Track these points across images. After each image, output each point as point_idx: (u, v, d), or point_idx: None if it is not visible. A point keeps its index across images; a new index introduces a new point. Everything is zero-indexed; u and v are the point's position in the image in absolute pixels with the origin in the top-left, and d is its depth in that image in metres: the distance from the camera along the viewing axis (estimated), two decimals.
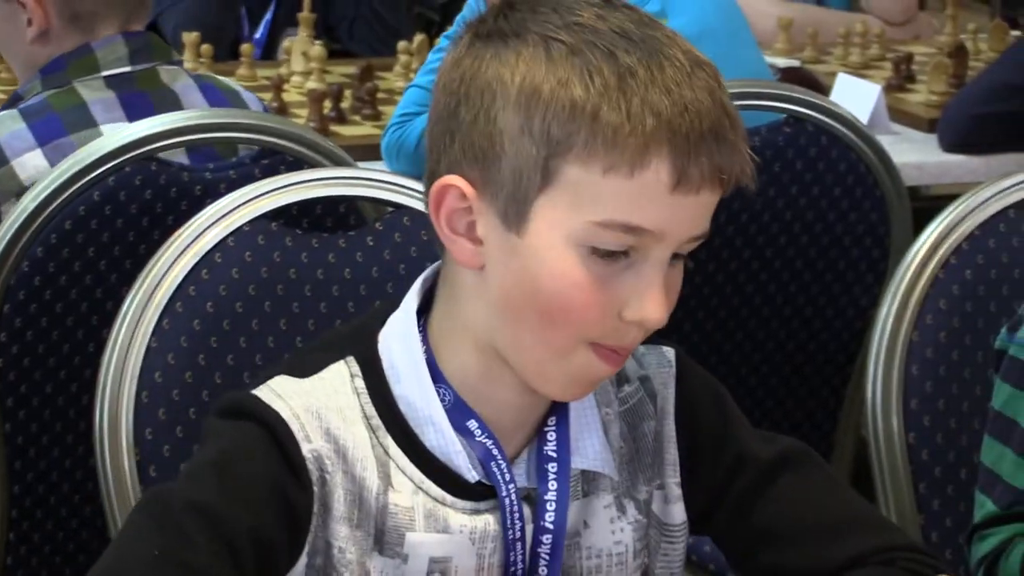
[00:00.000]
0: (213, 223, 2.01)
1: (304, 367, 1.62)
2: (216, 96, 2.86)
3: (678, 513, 1.69)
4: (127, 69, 2.78)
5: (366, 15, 4.57)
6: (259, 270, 2.01)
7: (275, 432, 1.56)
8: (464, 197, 1.56)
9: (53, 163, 2.61)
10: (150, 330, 1.96)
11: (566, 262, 1.54)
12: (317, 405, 1.60)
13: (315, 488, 1.57)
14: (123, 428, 1.95)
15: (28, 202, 2.38)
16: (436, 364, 1.63)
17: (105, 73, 2.75)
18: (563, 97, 1.54)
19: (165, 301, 1.98)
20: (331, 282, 2.05)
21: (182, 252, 2.00)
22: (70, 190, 2.41)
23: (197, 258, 1.99)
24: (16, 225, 2.42)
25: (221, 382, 1.99)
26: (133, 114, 2.74)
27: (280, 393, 1.58)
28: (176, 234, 2.02)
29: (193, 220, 2.02)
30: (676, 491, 1.69)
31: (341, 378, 1.62)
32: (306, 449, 1.55)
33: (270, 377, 1.62)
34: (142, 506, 1.60)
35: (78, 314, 2.35)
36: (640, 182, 1.52)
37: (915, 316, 2.24)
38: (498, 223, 1.56)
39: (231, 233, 1.99)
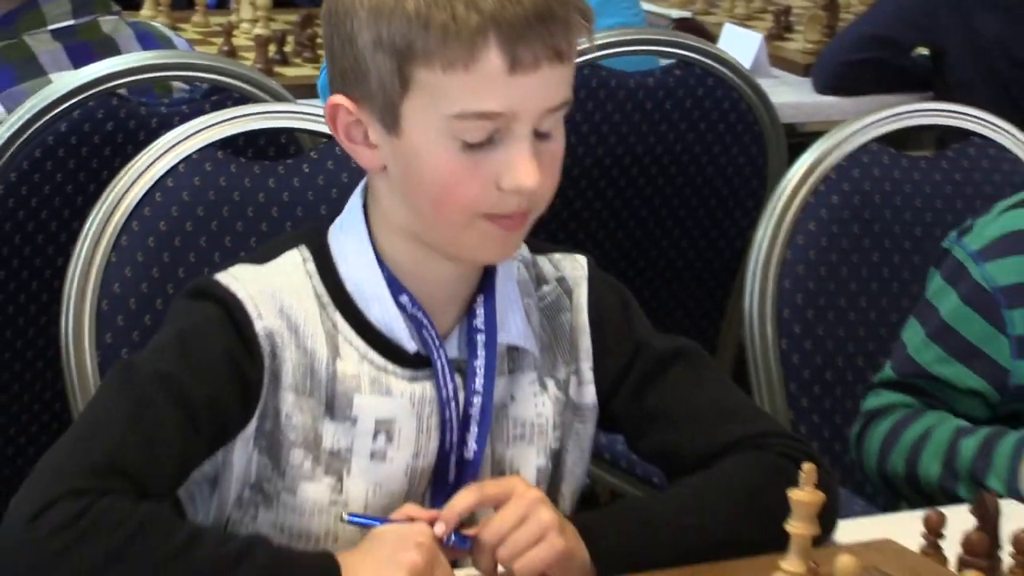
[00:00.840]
0: (166, 151, 1.98)
1: (262, 256, 1.63)
2: (152, 43, 2.79)
3: (589, 395, 1.69)
4: (71, 22, 2.70)
5: None
6: (207, 194, 1.99)
7: (231, 311, 1.56)
8: (351, 112, 1.57)
9: (8, 111, 2.54)
10: (110, 247, 1.94)
11: (439, 155, 1.55)
12: (272, 287, 1.60)
13: (266, 361, 1.57)
14: (86, 333, 1.94)
15: (3, 131, 2.32)
16: (378, 245, 1.64)
17: (51, 27, 2.67)
18: (400, 10, 1.54)
19: (123, 221, 1.95)
20: (271, 204, 2.02)
21: (138, 177, 1.97)
22: (39, 123, 2.34)
23: (151, 183, 1.97)
24: None
25: (172, 292, 1.96)
26: (78, 63, 2.66)
27: (238, 277, 1.58)
28: (132, 161, 1.99)
29: (148, 149, 1.99)
30: (588, 375, 1.69)
31: (294, 263, 1.62)
32: (259, 326, 1.55)
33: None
34: (112, 377, 1.59)
35: (48, 232, 2.31)
36: (477, 73, 1.52)
37: (788, 237, 2.24)
38: (381, 129, 1.57)
39: (182, 160, 1.97)
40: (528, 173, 1.55)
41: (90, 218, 1.95)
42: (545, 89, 1.55)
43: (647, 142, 3.00)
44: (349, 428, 1.60)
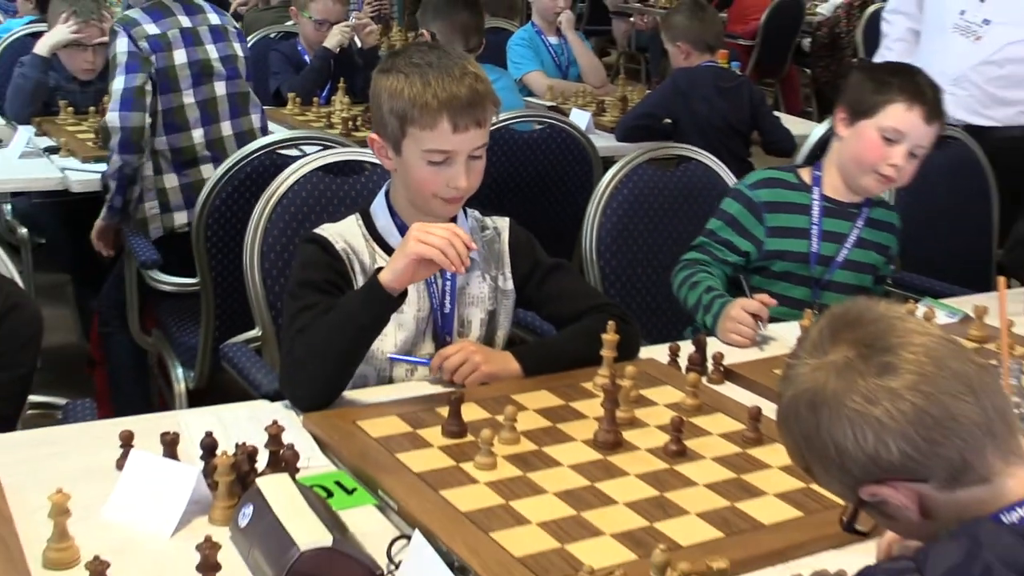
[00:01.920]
0: (296, 171, 2.38)
1: (338, 221, 1.95)
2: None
3: (509, 285, 2.00)
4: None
5: None
6: (314, 194, 2.37)
7: (322, 243, 1.89)
8: (381, 144, 1.86)
9: (162, 29, 2.92)
10: (266, 221, 2.33)
11: (419, 168, 1.84)
12: (340, 231, 1.91)
13: (346, 263, 1.88)
14: (256, 267, 2.32)
15: (221, 170, 2.67)
16: (394, 210, 1.94)
17: None
18: (401, 95, 1.80)
19: (273, 207, 2.34)
20: (346, 199, 2.40)
21: (281, 184, 2.36)
22: (242, 163, 2.69)
23: (288, 187, 2.35)
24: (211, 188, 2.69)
25: (294, 245, 2.26)
26: (186, 10, 3.01)
27: (323, 229, 1.92)
28: (280, 175, 2.38)
29: (286, 170, 2.38)
30: (509, 275, 2.00)
31: (352, 220, 1.94)
32: (338, 247, 1.88)
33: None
34: (288, 295, 1.90)
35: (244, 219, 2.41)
36: (437, 131, 1.80)
37: (603, 211, 2.66)
38: (393, 152, 1.86)
39: (303, 176, 2.37)
40: (462, 181, 1.84)
41: (258, 204, 2.35)
42: (472, 140, 1.81)
43: (529, 166, 3.34)
44: None
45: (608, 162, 2.87)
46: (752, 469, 1.67)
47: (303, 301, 1.85)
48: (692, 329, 2.32)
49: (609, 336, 1.91)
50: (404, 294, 1.76)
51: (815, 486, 1.61)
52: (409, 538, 1.38)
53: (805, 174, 2.45)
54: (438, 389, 1.93)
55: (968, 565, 0.96)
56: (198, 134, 3.02)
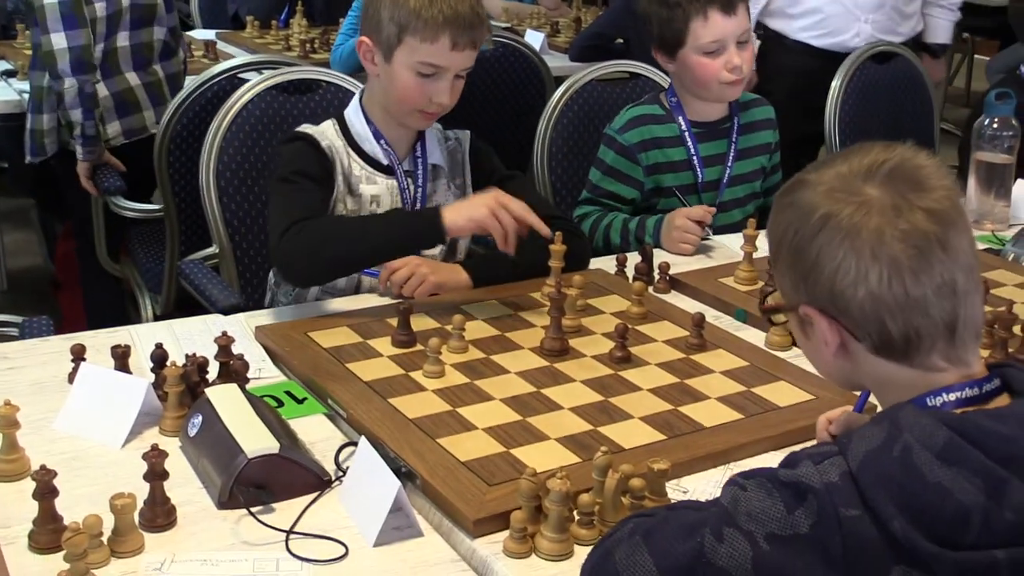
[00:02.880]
0: (251, 89, 2.37)
1: (315, 124, 1.95)
2: None
3: (470, 193, 2.01)
4: None
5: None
6: (269, 111, 2.37)
7: (310, 140, 1.91)
8: (371, 48, 1.88)
9: None
10: (223, 135, 2.31)
11: (406, 78, 1.86)
12: (322, 132, 1.93)
13: (331, 159, 1.90)
14: (212, 181, 2.31)
15: (182, 96, 2.60)
16: (367, 116, 1.95)
17: None
18: (405, 4, 1.83)
19: (230, 121, 2.33)
20: (299, 116, 2.40)
21: (237, 101, 2.35)
22: (202, 88, 2.63)
23: (244, 104, 2.34)
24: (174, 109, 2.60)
25: (254, 159, 2.33)
26: None
27: (307, 128, 1.93)
28: (236, 94, 2.36)
29: (242, 88, 2.37)
30: (469, 183, 2.03)
31: (329, 124, 1.96)
32: (324, 145, 1.91)
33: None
34: (276, 185, 1.86)
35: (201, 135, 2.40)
36: (436, 46, 1.83)
37: (553, 127, 2.66)
38: (382, 58, 1.88)
39: (258, 94, 2.37)
40: (446, 97, 1.87)
41: (213, 123, 2.34)
42: (465, 60, 1.85)
43: (484, 86, 3.34)
44: (357, 200, 1.93)
45: (560, 80, 2.83)
46: (695, 374, 1.68)
47: (299, 186, 1.84)
48: (636, 239, 2.31)
49: (557, 247, 1.90)
50: (444, 240, 1.78)
51: (756, 389, 1.62)
52: (356, 445, 1.37)
53: None
54: (388, 300, 1.93)
55: (888, 446, 0.94)
56: (98, 49, 2.86)
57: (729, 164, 2.40)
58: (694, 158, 2.37)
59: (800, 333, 1.11)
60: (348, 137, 1.96)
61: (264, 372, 1.67)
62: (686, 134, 2.37)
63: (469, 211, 1.75)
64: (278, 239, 1.76)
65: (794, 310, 1.08)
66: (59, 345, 1.67)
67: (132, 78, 2.91)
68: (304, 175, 1.87)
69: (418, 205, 1.98)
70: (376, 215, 1.85)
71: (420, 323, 1.80)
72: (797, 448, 1.02)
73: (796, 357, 1.75)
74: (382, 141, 1.96)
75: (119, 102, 2.92)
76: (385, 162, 1.96)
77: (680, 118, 2.38)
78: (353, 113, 1.98)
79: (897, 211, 0.99)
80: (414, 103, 1.88)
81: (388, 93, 1.91)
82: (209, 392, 1.44)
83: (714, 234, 2.33)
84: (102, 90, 2.88)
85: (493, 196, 1.75)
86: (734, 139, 2.41)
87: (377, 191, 1.97)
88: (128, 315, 2.97)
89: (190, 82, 2.69)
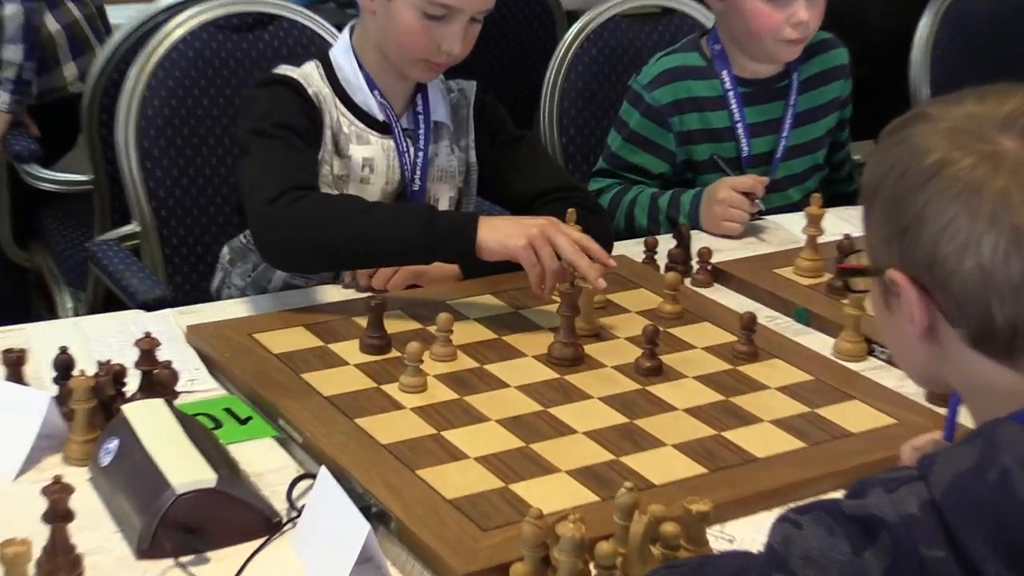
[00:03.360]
0: (183, 22, 2.40)
1: (293, 65, 2.01)
2: None
3: (472, 156, 2.10)
4: None
5: None
6: (207, 48, 2.41)
7: (293, 85, 1.96)
8: None
9: None
10: (147, 83, 2.35)
11: (410, 19, 1.91)
12: (305, 75, 1.98)
13: (318, 108, 1.96)
14: (132, 137, 2.34)
15: (114, 46, 2.58)
16: (359, 60, 2.00)
17: None
18: None
19: (157, 63, 2.37)
20: (246, 59, 2.44)
21: (165, 38, 2.39)
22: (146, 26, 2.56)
23: (175, 42, 2.38)
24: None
25: (187, 110, 2.37)
26: None
27: (289, 70, 1.98)
28: (163, 29, 2.40)
29: (173, 20, 2.40)
30: (472, 144, 2.09)
31: (313, 67, 2.01)
32: (310, 91, 1.96)
33: None
34: (249, 139, 1.89)
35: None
36: None
37: (567, 75, 2.69)
38: None
39: (191, 31, 2.40)
40: (457, 45, 1.92)
41: (131, 70, 2.38)
42: (483, 2, 1.93)
43: (488, 19, 3.00)
44: (347, 162, 1.99)
45: (573, 17, 2.90)
46: (744, 390, 1.69)
47: (285, 142, 1.88)
48: (668, 219, 2.33)
49: (570, 227, 1.89)
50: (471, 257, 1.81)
51: (822, 410, 1.63)
52: (315, 477, 1.37)
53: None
54: (356, 294, 1.93)
55: (982, 470, 0.93)
56: None
57: (784, 133, 2.41)
58: (738, 126, 2.39)
59: (882, 305, 1.10)
60: (335, 85, 2.01)
61: (198, 384, 1.67)
62: (730, 94, 2.38)
63: (506, 233, 1.78)
64: (266, 205, 1.79)
65: (879, 274, 1.07)
66: None
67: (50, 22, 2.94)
68: (289, 128, 1.91)
69: (417, 172, 2.03)
70: (405, 206, 1.89)
71: (396, 324, 1.80)
72: None
73: (873, 370, 1.76)
74: (376, 92, 2.00)
75: (71, 37, 2.94)
76: (380, 117, 2.00)
77: (724, 72, 2.39)
78: (342, 55, 2.02)
79: None
80: (418, 50, 1.93)
81: (386, 35, 1.95)
82: (127, 410, 1.43)
83: (768, 212, 2.35)
84: (51, 24, 2.90)
85: (544, 225, 1.78)
86: (792, 101, 2.42)
87: (370, 153, 2.01)
88: (40, 316, 2.95)
89: (126, 23, 2.67)
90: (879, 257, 1.07)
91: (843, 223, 2.20)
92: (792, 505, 1.41)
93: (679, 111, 2.38)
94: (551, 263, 1.77)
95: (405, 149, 2.03)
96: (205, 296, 2.22)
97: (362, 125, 2.02)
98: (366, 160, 2.01)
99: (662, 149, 2.40)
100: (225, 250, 2.20)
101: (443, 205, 2.07)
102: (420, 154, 2.04)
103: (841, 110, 2.50)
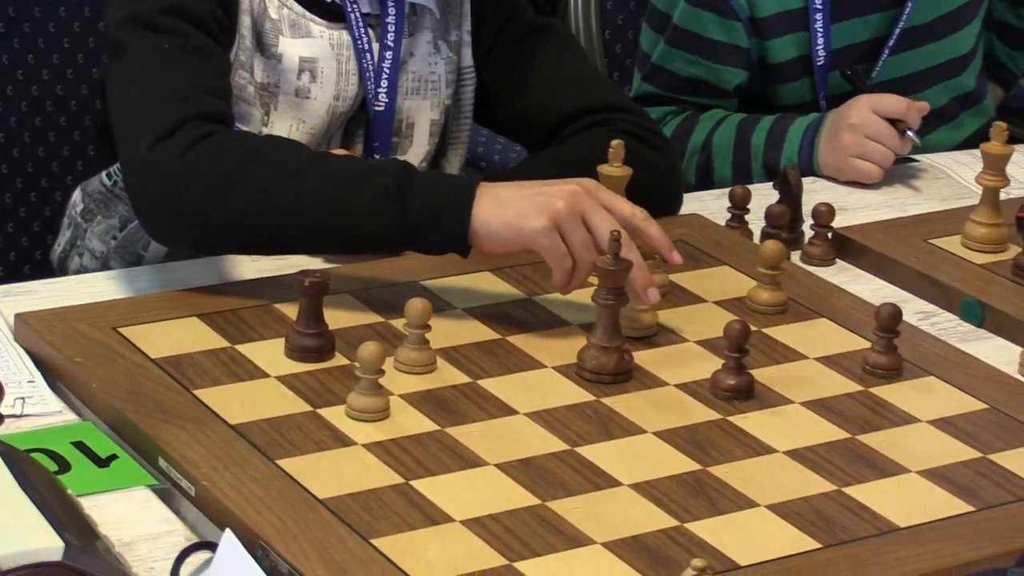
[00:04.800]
0: None
1: None
2: None
3: (467, 58, 2.17)
4: None
5: None
6: None
7: None
8: None
9: None
10: None
11: None
12: None
13: None
14: None
15: None
16: None
17: None
18: None
19: None
20: None
21: None
22: None
23: None
24: None
25: None
26: None
27: None
28: None
29: None
30: (467, 38, 2.16)
31: None
32: None
33: None
34: (130, 32, 1.94)
35: None
36: None
37: None
38: None
39: None
40: None
41: None
42: None
43: None
44: (275, 65, 2.04)
45: None
46: (881, 424, 1.71)
47: (182, 40, 1.94)
48: (765, 165, 2.40)
49: (613, 169, 1.93)
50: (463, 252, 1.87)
51: (998, 456, 1.65)
52: (214, 548, 1.37)
53: None
54: (280, 265, 1.95)
55: None
56: None
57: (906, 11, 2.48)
58: (815, 4, 2.45)
59: None
60: None
61: (33, 405, 1.68)
62: None
63: (518, 211, 1.81)
64: (149, 146, 1.84)
65: None
66: None
67: None
68: (186, 17, 1.96)
69: (384, 81, 2.09)
70: (365, 163, 1.95)
71: (343, 314, 1.82)
72: None
73: None
74: None
75: None
76: None
77: None
78: None
79: None
80: None
81: None
82: None
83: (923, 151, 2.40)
84: None
85: (575, 195, 1.81)
86: None
87: (312, 50, 2.06)
88: None
89: None
90: None
91: None
92: None
93: None
94: (585, 255, 1.80)
95: (365, 46, 2.07)
96: (42, 269, 2.24)
97: (299, 7, 2.05)
98: (305, 62, 2.06)
99: (726, 47, 2.46)
100: (76, 196, 2.21)
101: (420, 134, 2.12)
102: (388, 53, 2.07)
103: None
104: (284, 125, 2.06)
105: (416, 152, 2.15)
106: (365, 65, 2.08)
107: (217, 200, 1.82)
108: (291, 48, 2.05)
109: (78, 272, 2.13)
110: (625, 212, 1.82)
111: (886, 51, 2.49)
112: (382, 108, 2.10)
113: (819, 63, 2.46)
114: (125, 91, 1.89)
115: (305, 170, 1.84)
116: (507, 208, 1.81)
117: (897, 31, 2.48)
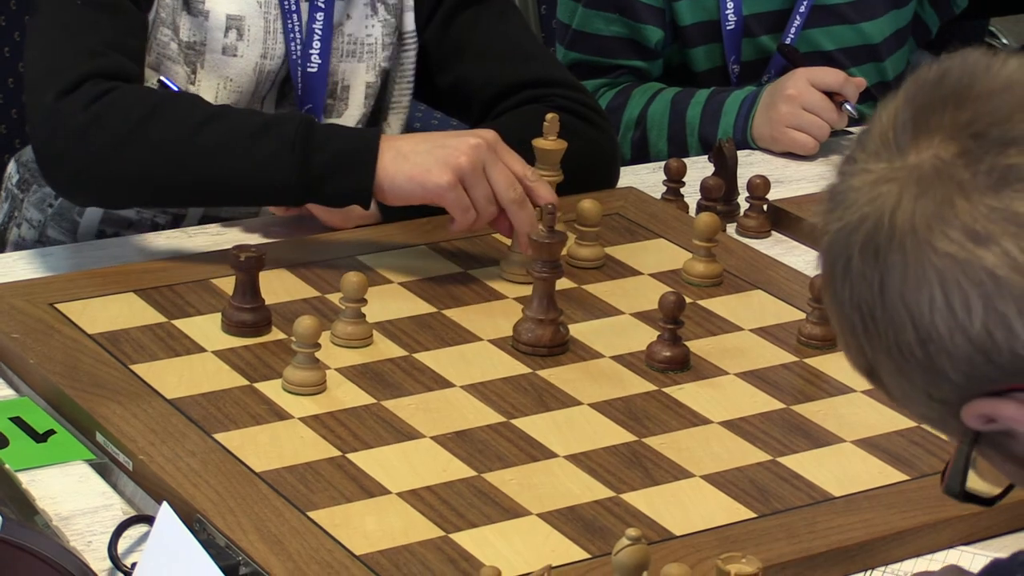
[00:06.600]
0: None
1: None
2: None
3: (410, 22, 2.16)
4: None
5: None
6: None
7: None
8: None
9: None
10: None
11: None
12: None
13: None
14: None
15: None
16: None
17: None
18: None
19: None
20: None
21: None
22: None
23: None
24: None
25: None
26: None
27: None
28: None
29: None
30: (409, 2, 2.16)
31: None
32: None
33: None
34: None
35: None
36: None
37: None
38: None
39: None
40: None
41: None
42: None
43: None
44: (202, 23, 2.03)
45: None
46: (815, 394, 1.72)
47: None
48: (700, 138, 2.42)
49: (547, 142, 1.94)
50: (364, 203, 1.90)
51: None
52: (151, 521, 1.37)
53: None
54: (217, 240, 1.96)
55: None
56: None
57: None
58: None
59: (1010, 462, 1.09)
60: None
61: None
62: None
63: (420, 165, 1.84)
64: (54, 100, 1.85)
65: (973, 437, 1.07)
66: None
67: None
68: None
69: (315, 41, 2.08)
70: (268, 116, 1.95)
71: (280, 288, 1.84)
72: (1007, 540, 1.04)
73: None
74: None
75: None
76: None
77: None
78: None
79: None
80: None
81: None
82: None
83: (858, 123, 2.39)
84: None
85: (477, 148, 1.84)
86: None
87: (239, 8, 2.06)
88: None
89: None
90: (948, 421, 1.08)
91: None
92: (884, 572, 1.46)
93: None
94: (488, 207, 1.84)
95: (292, 5, 2.07)
96: None
97: None
98: (232, 19, 2.05)
99: (644, 7, 2.46)
100: (11, 168, 2.21)
101: (358, 94, 2.13)
102: (319, 14, 2.08)
103: None
104: (211, 84, 2.06)
105: (351, 115, 2.15)
106: (291, 26, 2.07)
107: (119, 153, 1.83)
108: (218, 5, 2.05)
109: (17, 243, 2.13)
110: (519, 172, 1.85)
111: (796, 20, 2.48)
112: (315, 70, 2.09)
113: (729, 27, 2.46)
114: (34, 45, 1.91)
115: (207, 123, 1.86)
116: (410, 162, 1.85)
117: (805, 4, 2.48)
